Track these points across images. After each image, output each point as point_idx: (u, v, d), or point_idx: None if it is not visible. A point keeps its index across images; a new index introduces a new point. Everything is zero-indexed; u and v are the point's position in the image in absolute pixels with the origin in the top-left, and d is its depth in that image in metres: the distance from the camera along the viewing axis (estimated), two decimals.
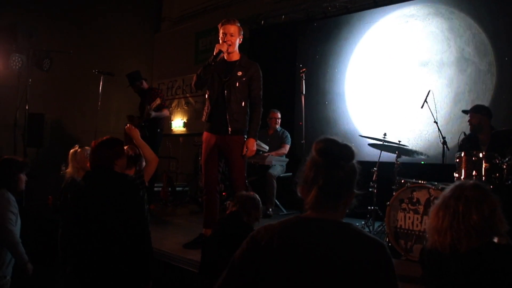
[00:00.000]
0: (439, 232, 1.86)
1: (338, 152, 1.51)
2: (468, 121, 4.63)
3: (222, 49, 3.96)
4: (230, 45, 4.01)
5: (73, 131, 8.85)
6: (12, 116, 6.50)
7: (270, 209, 6.14)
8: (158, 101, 5.71)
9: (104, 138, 2.94)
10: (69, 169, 4.00)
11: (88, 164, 3.93)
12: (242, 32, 4.14)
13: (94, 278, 2.67)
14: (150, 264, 2.87)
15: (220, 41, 4.04)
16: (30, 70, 6.33)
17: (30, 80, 6.19)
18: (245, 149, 4.03)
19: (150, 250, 2.96)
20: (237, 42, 4.10)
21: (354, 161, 1.54)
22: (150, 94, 6.14)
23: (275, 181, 6.26)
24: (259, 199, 3.11)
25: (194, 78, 4.20)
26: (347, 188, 1.52)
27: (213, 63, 3.95)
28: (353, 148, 1.55)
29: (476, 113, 4.59)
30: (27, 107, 6.24)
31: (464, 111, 4.78)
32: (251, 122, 4.13)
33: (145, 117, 5.77)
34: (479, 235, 1.79)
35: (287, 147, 6.60)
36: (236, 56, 4.15)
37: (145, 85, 6.34)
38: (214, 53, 3.95)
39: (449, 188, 1.93)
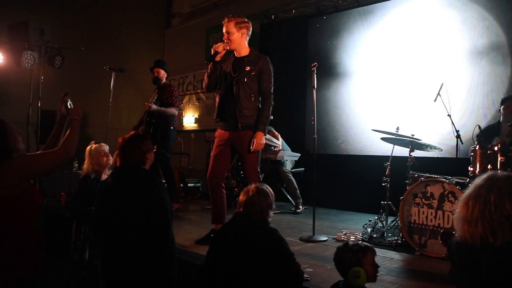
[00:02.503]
0: (469, 222, 1.80)
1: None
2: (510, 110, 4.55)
3: (218, 50, 3.99)
4: (227, 42, 4.03)
5: (85, 127, 8.89)
6: (25, 114, 6.54)
7: (300, 207, 6.14)
8: (153, 94, 5.77)
9: (131, 133, 2.93)
10: (85, 165, 4.02)
11: (103, 160, 3.98)
12: (244, 26, 4.06)
13: (116, 279, 2.65)
14: (173, 265, 2.79)
15: (224, 40, 4.08)
16: (42, 67, 6.34)
17: (42, 77, 6.21)
18: (252, 142, 3.96)
19: (172, 251, 2.82)
20: (238, 38, 4.04)
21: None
22: (164, 90, 6.05)
23: (291, 175, 6.22)
24: (267, 188, 2.85)
25: (205, 79, 4.23)
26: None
27: (207, 62, 4.10)
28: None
29: None
30: (39, 104, 6.26)
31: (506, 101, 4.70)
32: (259, 116, 4.06)
33: (146, 109, 5.76)
34: None
35: (274, 131, 6.41)
36: (245, 51, 4.12)
37: (162, 75, 6.20)
38: (212, 53, 4.01)
39: (480, 178, 1.87)
